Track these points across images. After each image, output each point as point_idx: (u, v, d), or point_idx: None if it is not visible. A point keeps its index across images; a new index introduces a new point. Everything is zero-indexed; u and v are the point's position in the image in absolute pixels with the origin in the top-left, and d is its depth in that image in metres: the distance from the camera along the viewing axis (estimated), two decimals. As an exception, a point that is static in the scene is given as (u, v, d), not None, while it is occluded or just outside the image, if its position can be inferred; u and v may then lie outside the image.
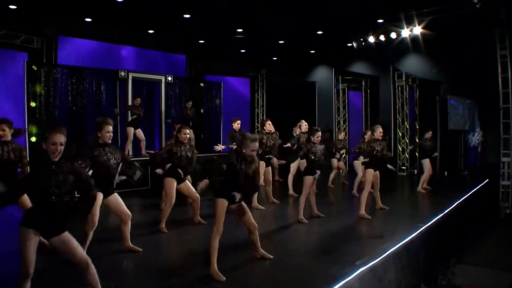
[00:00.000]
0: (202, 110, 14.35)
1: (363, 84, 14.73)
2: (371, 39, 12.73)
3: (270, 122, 8.39)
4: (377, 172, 7.58)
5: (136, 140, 11.25)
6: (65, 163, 3.58)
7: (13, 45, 10.86)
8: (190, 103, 12.15)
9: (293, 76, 16.84)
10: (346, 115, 14.39)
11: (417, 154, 11.64)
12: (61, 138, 3.54)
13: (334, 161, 10.76)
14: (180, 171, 6.37)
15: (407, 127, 13.15)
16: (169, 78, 12.76)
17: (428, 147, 9.95)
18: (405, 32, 12.02)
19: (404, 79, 13.08)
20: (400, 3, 11.11)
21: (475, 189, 10.14)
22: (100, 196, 4.77)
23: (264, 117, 16.22)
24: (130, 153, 11.37)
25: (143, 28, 12.77)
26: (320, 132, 7.02)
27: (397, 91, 13.19)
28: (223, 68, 15.51)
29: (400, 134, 13.28)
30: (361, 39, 12.90)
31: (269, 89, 16.31)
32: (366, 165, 7.64)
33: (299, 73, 16.90)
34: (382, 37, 12.52)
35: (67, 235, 3.56)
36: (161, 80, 12.63)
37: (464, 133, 13.82)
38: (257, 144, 4.63)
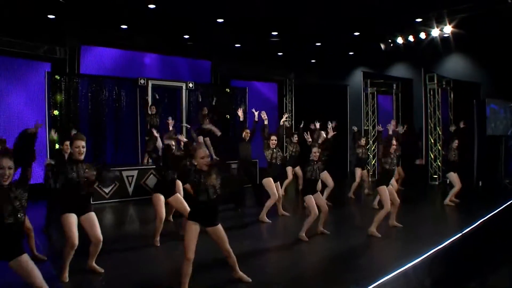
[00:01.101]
0: (227, 116, 14.19)
1: (394, 87, 13.95)
2: (400, 40, 12.02)
3: (275, 137, 7.97)
4: (390, 186, 6.97)
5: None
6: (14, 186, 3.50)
7: (37, 55, 11.16)
8: (206, 109, 12.00)
9: (323, 80, 16.33)
10: (376, 120, 13.67)
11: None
12: (8, 163, 3.47)
13: (358, 171, 10.25)
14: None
15: (440, 133, 12.26)
16: (190, 85, 12.66)
17: (454, 158, 9.13)
18: (440, 32, 11.21)
19: (435, 81, 12.20)
20: (432, 1, 10.40)
21: (509, 202, 9.23)
22: (73, 216, 4.59)
23: (293, 122, 15.86)
24: (150, 160, 11.36)
25: (173, 35, 12.79)
26: (317, 148, 6.55)
27: (428, 94, 12.34)
28: (250, 73, 15.28)
29: (432, 141, 12.41)
30: (389, 41, 12.18)
31: (298, 94, 15.90)
32: (377, 183, 7.07)
33: (330, 76, 16.35)
34: (411, 38, 11.77)
35: (24, 258, 3.46)
36: (182, 86, 12.55)
37: (506, 139, 12.73)
38: (205, 150, 4.32)
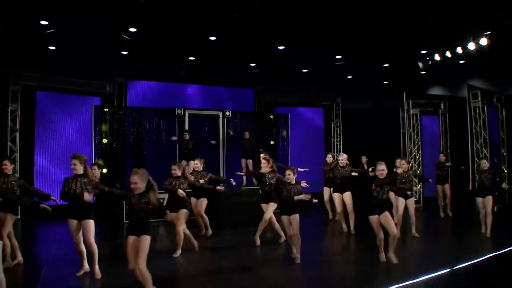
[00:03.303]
0: (272, 142, 14.44)
1: (442, 107, 12.97)
2: (438, 57, 11.28)
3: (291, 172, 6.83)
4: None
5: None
6: None
7: (89, 91, 12.57)
8: (247, 133, 12.42)
9: (373, 103, 15.83)
10: (420, 143, 12.82)
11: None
12: None
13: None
14: None
15: (487, 154, 11.06)
16: (227, 113, 13.15)
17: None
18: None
19: (479, 99, 11.15)
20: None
21: None
22: None
23: (341, 147, 15.51)
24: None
25: (232, 64, 13.44)
26: (291, 171, 6.51)
27: (473, 113, 11.30)
28: (294, 100, 15.38)
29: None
30: (427, 58, 11.51)
31: (346, 118, 15.56)
32: None
33: (380, 99, 15.79)
34: (448, 54, 10.99)
35: None
36: (219, 115, 13.08)
37: None
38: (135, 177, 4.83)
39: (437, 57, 11.16)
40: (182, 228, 7.11)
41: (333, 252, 7.75)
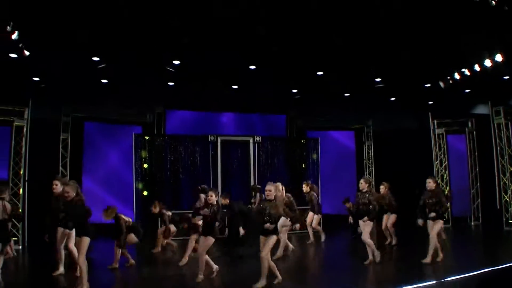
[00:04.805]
0: (303, 166, 14.97)
1: (469, 125, 12.92)
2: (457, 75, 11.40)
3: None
4: None
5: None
6: None
7: (131, 121, 13.85)
8: None
9: (407, 124, 15.91)
10: (446, 162, 12.80)
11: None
12: None
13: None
14: None
15: (512, 171, 10.92)
16: (257, 138, 13.84)
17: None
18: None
19: (502, 115, 11.12)
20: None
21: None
22: None
23: (373, 169, 15.66)
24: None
25: (274, 91, 14.00)
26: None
27: (496, 130, 11.27)
28: (326, 124, 15.84)
29: (506, 181, 11.09)
30: (448, 77, 11.66)
31: (377, 140, 15.76)
32: None
33: (412, 120, 15.87)
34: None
35: None
36: (249, 140, 13.81)
37: None
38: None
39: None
40: None
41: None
